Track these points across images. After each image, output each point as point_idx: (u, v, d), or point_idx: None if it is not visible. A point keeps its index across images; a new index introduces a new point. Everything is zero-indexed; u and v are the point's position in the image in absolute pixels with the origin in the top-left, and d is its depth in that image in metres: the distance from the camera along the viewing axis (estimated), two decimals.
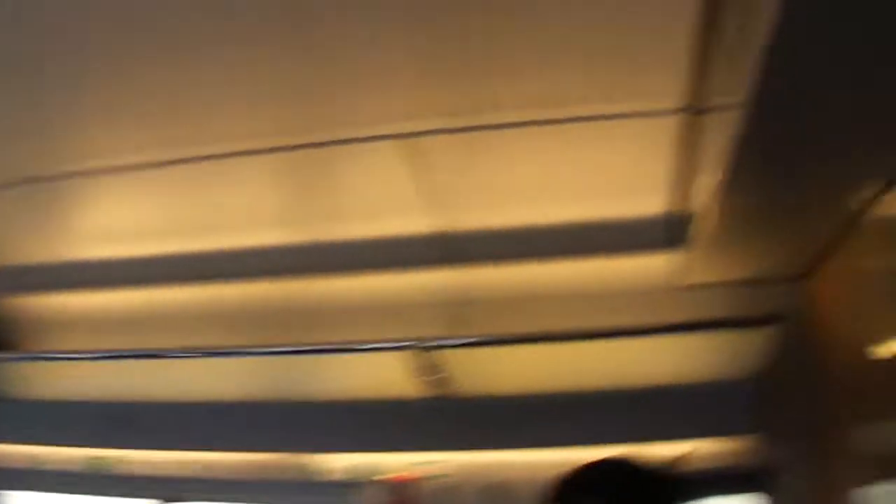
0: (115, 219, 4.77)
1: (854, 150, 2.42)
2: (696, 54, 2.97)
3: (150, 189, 4.43)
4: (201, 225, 4.69)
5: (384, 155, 3.84)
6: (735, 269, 3.75)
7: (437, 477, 5.05)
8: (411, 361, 4.85)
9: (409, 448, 5.13)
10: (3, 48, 3.12)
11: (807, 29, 1.72)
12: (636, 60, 3.13)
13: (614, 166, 3.95)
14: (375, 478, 5.15)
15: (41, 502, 5.24)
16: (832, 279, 3.39)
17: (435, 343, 4.70)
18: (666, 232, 4.20)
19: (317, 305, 4.98)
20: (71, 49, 3.15)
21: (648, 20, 2.84)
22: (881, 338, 2.73)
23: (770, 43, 1.80)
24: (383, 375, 5.05)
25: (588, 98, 3.41)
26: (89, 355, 5.31)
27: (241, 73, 3.31)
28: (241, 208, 4.53)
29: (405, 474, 5.10)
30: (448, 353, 4.79)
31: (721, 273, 3.81)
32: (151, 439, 5.52)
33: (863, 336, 2.94)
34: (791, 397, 4.08)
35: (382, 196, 4.29)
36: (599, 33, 2.94)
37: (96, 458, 5.56)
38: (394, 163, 3.90)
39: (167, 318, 5.22)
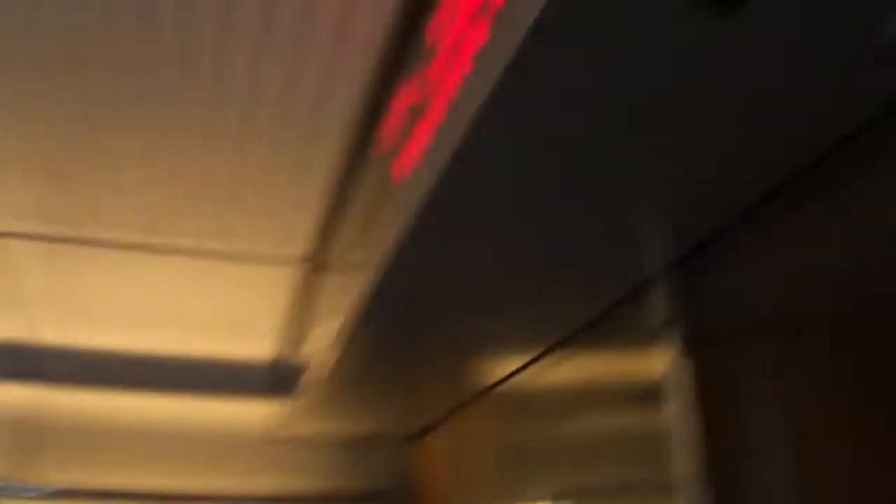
0: None
1: (474, 323, 2.54)
2: (328, 211, 3.01)
3: None
4: None
5: None
6: (341, 426, 3.70)
7: None
8: None
9: None
10: None
11: (440, 213, 1.75)
12: (262, 205, 3.09)
13: (225, 306, 3.81)
14: None
15: None
16: (441, 444, 3.48)
17: None
18: (272, 380, 4.10)
19: None
20: None
21: (283, 171, 2.83)
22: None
23: (403, 221, 1.85)
24: None
25: (202, 232, 3.22)
26: None
27: None
28: None
29: None
30: None
31: (326, 428, 3.74)
32: None
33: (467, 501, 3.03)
34: None
35: None
36: (228, 173, 2.84)
37: None
38: None
39: None
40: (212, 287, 3.66)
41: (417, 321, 2.58)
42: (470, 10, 1.52)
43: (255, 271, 3.51)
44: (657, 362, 2.13)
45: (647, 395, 2.17)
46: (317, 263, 3.44)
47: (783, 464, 1.76)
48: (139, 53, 2.18)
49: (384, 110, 2.29)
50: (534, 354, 2.85)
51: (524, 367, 2.92)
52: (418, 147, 1.81)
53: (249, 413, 4.17)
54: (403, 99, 2.07)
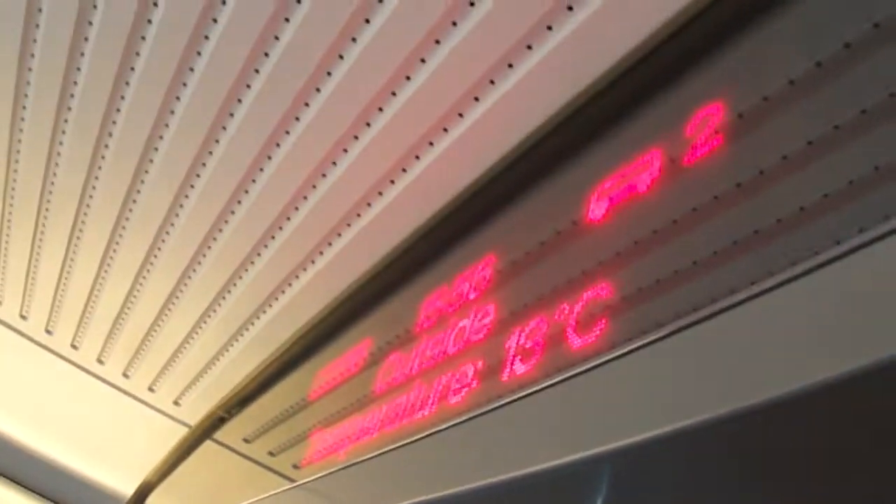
0: None
1: None
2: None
3: None
4: None
5: None
6: None
7: None
8: None
9: None
10: None
11: None
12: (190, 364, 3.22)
13: (107, 428, 3.89)
14: None
15: None
16: None
17: None
18: None
19: None
20: None
21: None
22: None
23: None
24: None
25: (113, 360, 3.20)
26: None
27: None
28: None
29: None
30: None
31: None
32: None
33: None
34: None
35: None
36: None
37: None
38: None
39: None
40: (98, 406, 3.65)
41: None
42: None
43: (146, 413, 3.52)
44: None
45: None
46: (201, 433, 3.36)
47: None
48: None
49: None
50: None
51: None
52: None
53: None
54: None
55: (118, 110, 2.27)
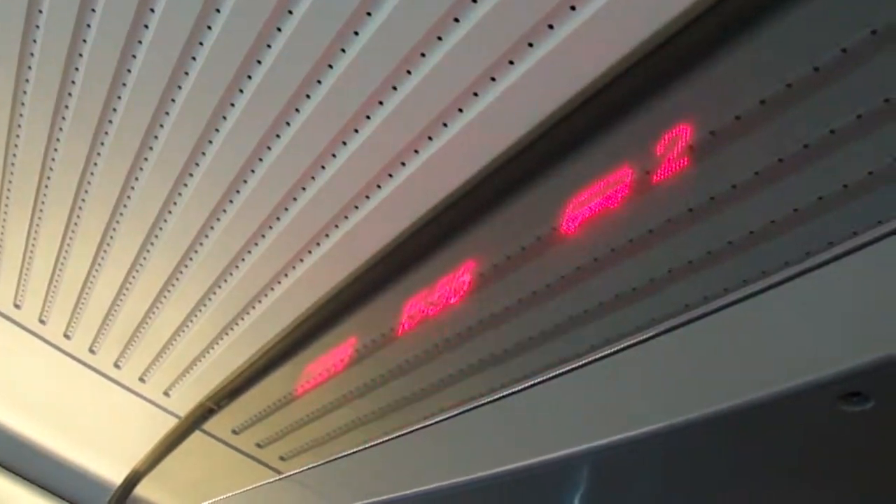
0: None
1: None
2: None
3: None
4: None
5: None
6: None
7: None
8: None
9: None
10: None
11: None
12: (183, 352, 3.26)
13: (96, 414, 3.86)
14: None
15: None
16: None
17: None
18: None
19: None
20: None
21: None
22: None
23: None
24: None
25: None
26: None
27: None
28: None
29: None
30: None
31: None
32: None
33: None
34: None
35: None
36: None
37: None
38: None
39: None
40: (89, 395, 3.68)
41: None
42: None
43: (136, 403, 3.57)
44: None
45: None
46: (190, 424, 3.39)
47: None
48: None
49: None
50: None
51: None
52: None
53: None
54: None
55: (119, 97, 2.31)
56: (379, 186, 1.94)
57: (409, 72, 1.66)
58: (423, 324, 1.74)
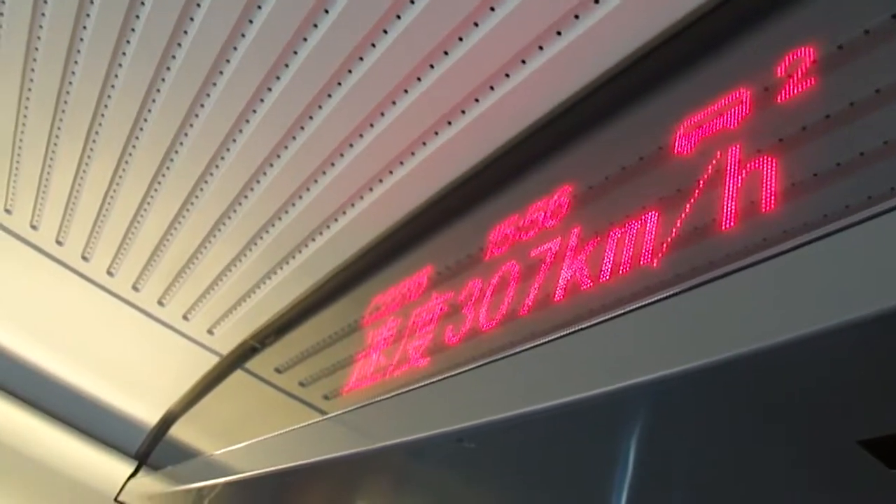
0: None
1: None
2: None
3: None
4: None
5: None
6: None
7: None
8: None
9: None
10: None
11: None
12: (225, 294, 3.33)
13: (134, 357, 3.94)
14: None
15: None
16: None
17: None
18: (144, 447, 4.03)
19: None
20: None
21: None
22: None
23: None
24: None
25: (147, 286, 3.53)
26: None
27: None
28: None
29: None
30: None
31: None
32: None
33: None
34: None
35: None
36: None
37: None
38: None
39: None
40: (129, 334, 3.71)
41: None
42: None
43: (178, 341, 3.59)
44: None
45: None
46: (232, 362, 3.42)
47: None
48: None
49: None
50: None
51: None
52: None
53: (108, 468, 4.10)
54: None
55: (185, 32, 2.30)
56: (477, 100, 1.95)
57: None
58: (514, 248, 1.75)
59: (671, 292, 1.31)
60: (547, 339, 1.53)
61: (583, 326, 1.46)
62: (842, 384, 1.12)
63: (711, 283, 1.25)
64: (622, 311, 1.38)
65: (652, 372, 1.22)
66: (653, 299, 1.34)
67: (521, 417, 1.48)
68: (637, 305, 1.35)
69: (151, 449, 4.12)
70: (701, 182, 1.39)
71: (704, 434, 1.35)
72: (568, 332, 1.48)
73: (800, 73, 1.30)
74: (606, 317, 1.41)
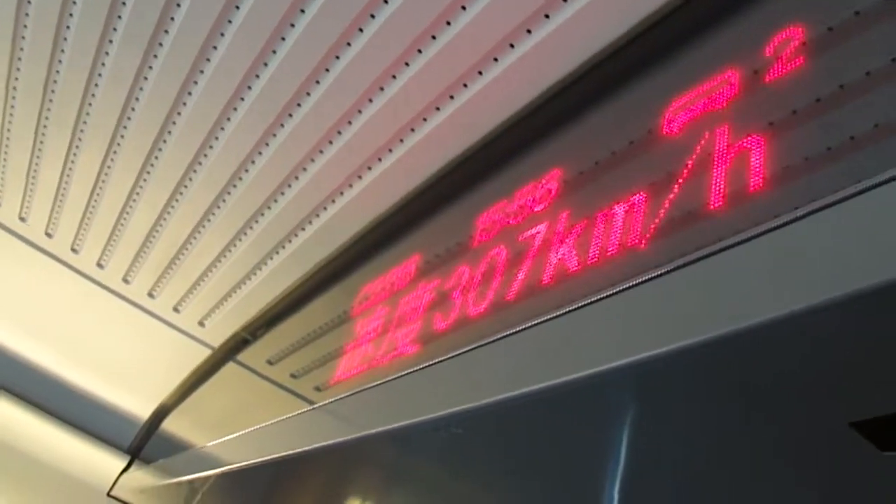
0: None
1: None
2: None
3: None
4: None
5: None
6: None
7: None
8: None
9: None
10: None
11: None
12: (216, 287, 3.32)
13: (126, 352, 3.96)
14: None
15: None
16: None
17: None
18: (137, 440, 4.08)
19: None
20: None
21: None
22: None
23: None
24: None
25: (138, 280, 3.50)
26: None
27: None
28: None
29: None
30: None
31: None
32: None
33: None
34: None
35: None
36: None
37: None
38: None
39: None
40: (121, 326, 3.70)
41: None
42: None
43: (170, 334, 3.57)
44: None
45: None
46: (224, 355, 3.41)
47: None
48: None
49: None
50: None
51: None
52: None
53: (100, 463, 4.10)
54: None
55: (172, 19, 2.28)
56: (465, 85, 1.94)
57: None
58: (503, 233, 1.74)
59: (657, 272, 1.30)
60: (533, 323, 1.52)
61: (568, 310, 1.44)
62: (830, 364, 1.11)
63: (698, 263, 1.24)
64: (608, 294, 1.36)
65: (639, 353, 1.21)
66: (638, 280, 1.33)
67: (509, 401, 1.47)
68: (623, 287, 1.33)
69: (144, 443, 4.10)
70: (689, 164, 1.38)
71: (694, 417, 1.34)
72: (553, 315, 1.47)
73: (789, 55, 1.29)
74: (591, 299, 1.39)
